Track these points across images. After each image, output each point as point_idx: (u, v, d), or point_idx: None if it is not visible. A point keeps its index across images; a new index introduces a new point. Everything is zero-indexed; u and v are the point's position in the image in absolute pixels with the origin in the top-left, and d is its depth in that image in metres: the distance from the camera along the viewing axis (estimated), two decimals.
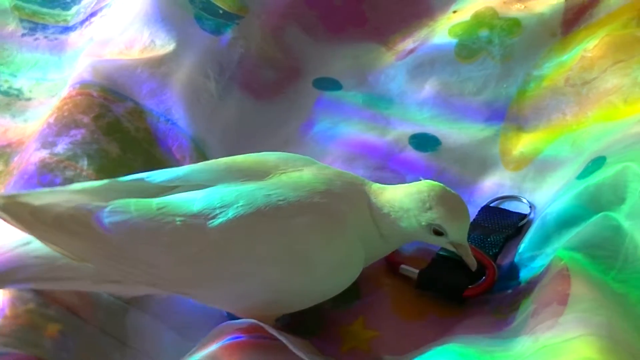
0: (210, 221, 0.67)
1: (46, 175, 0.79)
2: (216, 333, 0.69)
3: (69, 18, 1.03)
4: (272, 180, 0.70)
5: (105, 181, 0.71)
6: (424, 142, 0.91)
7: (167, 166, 0.78)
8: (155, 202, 0.68)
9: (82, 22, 1.00)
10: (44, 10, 1.03)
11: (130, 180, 0.71)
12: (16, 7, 1.02)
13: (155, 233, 0.67)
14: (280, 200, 0.68)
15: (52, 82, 0.96)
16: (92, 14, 1.00)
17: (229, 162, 0.73)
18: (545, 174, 0.85)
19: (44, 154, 0.81)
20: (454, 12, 0.99)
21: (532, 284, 0.73)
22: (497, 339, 0.69)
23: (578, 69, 0.89)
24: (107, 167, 0.81)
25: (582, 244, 0.71)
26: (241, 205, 0.67)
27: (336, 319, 0.76)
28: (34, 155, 0.81)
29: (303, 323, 0.75)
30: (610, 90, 0.85)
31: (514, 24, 0.94)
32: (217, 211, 0.67)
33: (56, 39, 1.00)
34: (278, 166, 0.72)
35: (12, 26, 1.01)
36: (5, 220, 0.66)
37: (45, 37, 1.01)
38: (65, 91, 0.87)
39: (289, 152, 0.87)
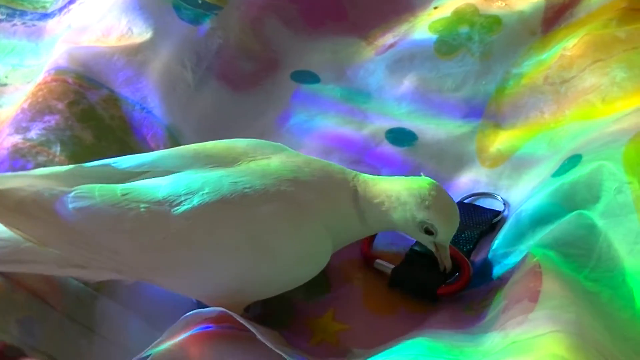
0: (175, 208, 0.66)
1: (18, 160, 0.78)
2: (184, 323, 0.68)
3: (47, 5, 1.02)
4: (240, 168, 0.70)
5: (70, 166, 0.71)
6: (401, 137, 0.90)
7: None
8: (120, 188, 0.67)
9: (60, 9, 1.00)
10: None
11: (96, 166, 0.71)
12: None
13: (118, 219, 0.66)
14: (246, 188, 0.68)
15: (29, 68, 0.95)
16: (71, 2, 0.99)
17: (197, 148, 0.72)
18: (522, 172, 0.85)
19: (16, 139, 0.80)
20: (435, 8, 0.99)
21: (504, 280, 0.73)
22: (467, 334, 0.69)
23: (557, 67, 0.89)
24: (80, 154, 0.80)
25: (556, 242, 0.71)
26: (206, 193, 0.67)
27: (306, 311, 0.76)
28: (6, 140, 0.81)
29: (274, 314, 0.75)
30: (588, 89, 0.85)
31: (494, 22, 0.94)
32: (182, 198, 0.67)
33: (34, 25, 1.00)
34: (247, 153, 0.71)
35: None
36: None
37: (23, 23, 1.00)
38: (40, 77, 0.87)
39: None
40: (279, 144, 0.74)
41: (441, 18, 0.97)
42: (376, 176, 0.73)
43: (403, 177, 0.73)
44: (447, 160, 0.88)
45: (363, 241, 0.80)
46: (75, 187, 0.67)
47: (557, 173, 0.78)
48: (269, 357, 0.66)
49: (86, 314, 0.73)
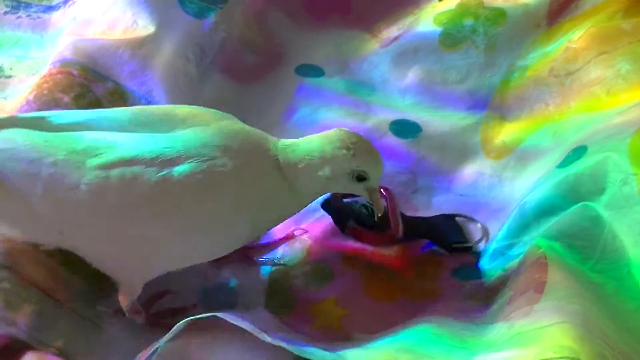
0: (91, 159, 0.67)
1: None
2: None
3: None
4: (173, 134, 0.70)
5: (4, 116, 0.72)
6: (405, 128, 0.90)
7: None
8: (44, 135, 0.68)
9: (65, 2, 1.00)
10: None
11: (31, 117, 0.72)
12: None
13: (36, 163, 0.67)
14: (167, 148, 0.68)
15: (34, 60, 0.95)
16: None
17: (135, 111, 0.73)
18: (526, 163, 0.85)
19: None
20: (440, 0, 0.99)
21: (509, 271, 0.74)
22: (470, 324, 0.70)
23: (562, 59, 0.89)
24: None
25: (561, 234, 0.71)
26: (125, 148, 0.67)
27: (308, 297, 0.76)
28: None
29: (276, 300, 0.76)
30: (593, 81, 0.85)
31: (499, 14, 0.94)
32: (101, 151, 0.67)
33: (39, 17, 1.00)
34: (186, 120, 0.71)
35: None
36: None
37: (28, 15, 1.00)
38: (45, 69, 0.87)
39: None
40: (226, 113, 0.75)
41: (446, 10, 0.96)
42: (293, 140, 0.73)
43: (316, 135, 0.73)
44: (451, 151, 0.89)
45: None
46: (1, 130, 0.68)
47: (562, 164, 0.78)
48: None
49: (93, 310, 0.73)
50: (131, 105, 0.85)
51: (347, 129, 0.72)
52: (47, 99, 0.83)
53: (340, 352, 0.68)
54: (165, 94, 0.87)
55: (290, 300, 0.76)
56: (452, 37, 0.95)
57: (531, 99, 0.89)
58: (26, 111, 0.82)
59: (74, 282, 0.73)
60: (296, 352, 0.65)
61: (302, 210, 0.75)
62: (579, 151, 0.77)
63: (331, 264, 0.78)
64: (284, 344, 0.65)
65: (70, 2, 0.99)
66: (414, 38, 0.96)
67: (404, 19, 0.99)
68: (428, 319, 0.71)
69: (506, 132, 0.89)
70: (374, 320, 0.74)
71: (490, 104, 0.91)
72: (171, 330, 0.66)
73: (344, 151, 0.70)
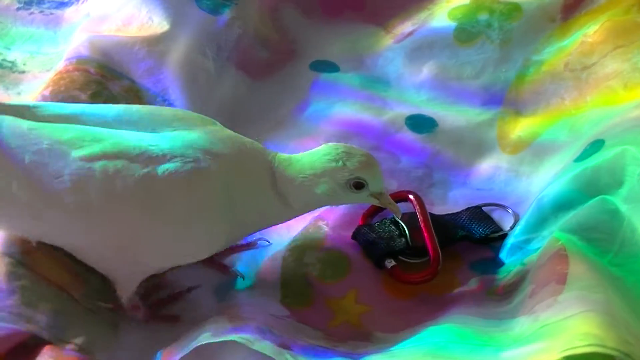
0: (76, 150, 0.67)
1: None
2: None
3: None
4: (158, 133, 0.70)
5: None
6: (421, 123, 0.90)
7: None
8: (29, 123, 0.68)
9: None
10: None
11: (16, 105, 0.72)
12: None
13: (20, 150, 0.67)
14: (152, 146, 0.68)
15: (47, 56, 0.95)
16: None
17: (121, 109, 0.73)
18: (543, 158, 0.85)
19: None
20: None
21: (529, 265, 0.74)
22: (493, 319, 0.70)
23: (578, 54, 0.89)
24: None
25: (579, 227, 0.71)
26: (110, 143, 0.68)
27: (327, 291, 0.76)
28: None
29: (291, 291, 0.76)
30: (609, 75, 0.85)
31: (514, 9, 0.94)
32: (85, 143, 0.67)
33: (52, 13, 1.00)
34: (170, 123, 0.71)
35: (8, 0, 1.00)
36: None
37: (41, 11, 1.00)
38: (61, 64, 0.87)
39: (283, 131, 0.89)
40: (211, 118, 0.74)
41: (460, 5, 0.96)
42: (289, 156, 0.72)
43: (308, 152, 0.72)
44: (467, 146, 0.88)
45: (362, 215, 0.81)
46: None
47: (580, 158, 0.78)
48: None
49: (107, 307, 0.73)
50: (147, 103, 0.85)
51: (333, 143, 0.72)
52: (64, 96, 0.83)
53: (364, 359, 0.68)
54: (182, 91, 0.87)
55: (306, 293, 0.76)
56: (466, 32, 0.95)
57: (547, 93, 0.89)
58: None
59: (90, 279, 0.72)
60: None
61: None
62: (596, 145, 0.77)
63: (349, 254, 0.78)
64: None
65: None
66: (429, 33, 0.96)
67: (418, 14, 0.99)
68: (449, 317, 0.71)
69: (522, 127, 0.89)
70: (394, 317, 0.74)
71: (506, 99, 0.91)
72: (192, 345, 0.66)
73: (333, 163, 0.70)
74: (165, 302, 0.75)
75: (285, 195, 0.71)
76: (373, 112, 0.91)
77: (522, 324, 0.66)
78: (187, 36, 0.90)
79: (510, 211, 0.82)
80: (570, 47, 0.90)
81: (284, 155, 0.72)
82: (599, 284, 0.65)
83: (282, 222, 0.76)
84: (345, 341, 0.72)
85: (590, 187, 0.74)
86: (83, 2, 0.99)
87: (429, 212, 0.80)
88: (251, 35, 0.96)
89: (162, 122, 0.71)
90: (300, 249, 0.78)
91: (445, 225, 0.80)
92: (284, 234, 0.80)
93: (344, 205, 0.80)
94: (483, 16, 0.95)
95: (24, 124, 0.68)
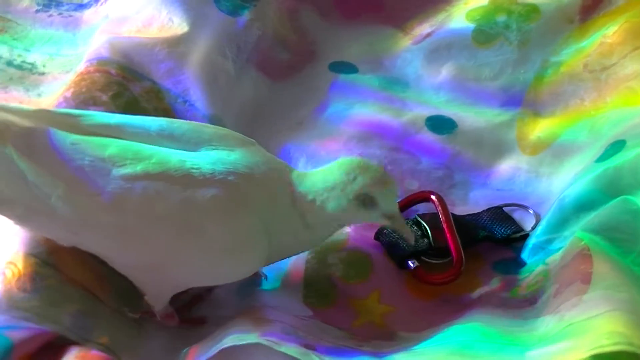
0: (117, 169, 0.67)
1: None
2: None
3: None
4: (199, 153, 0.70)
5: (36, 108, 0.73)
6: (440, 124, 0.90)
7: None
8: (72, 137, 0.68)
9: (96, 0, 1.00)
10: None
11: (62, 113, 0.72)
12: None
13: (61, 166, 0.67)
14: (193, 169, 0.68)
15: (66, 57, 0.96)
16: None
17: (163, 123, 0.72)
18: (563, 159, 0.85)
19: None
20: None
21: (551, 265, 0.74)
22: (516, 319, 0.70)
23: (597, 55, 0.89)
24: None
25: (601, 227, 0.72)
26: (152, 163, 0.67)
27: (350, 291, 0.76)
28: None
29: (314, 291, 0.76)
30: (629, 76, 0.85)
31: (532, 10, 0.94)
32: (127, 162, 0.67)
33: (70, 16, 1.00)
34: (211, 140, 0.71)
35: (26, 2, 1.01)
36: None
37: (60, 13, 1.00)
38: (81, 66, 0.87)
39: (304, 132, 0.89)
40: (250, 139, 0.74)
41: (478, 7, 0.96)
42: (304, 172, 0.72)
43: (324, 166, 0.71)
44: (487, 147, 0.88)
45: None
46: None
47: (601, 158, 0.78)
48: None
49: (135, 308, 0.73)
50: (168, 104, 0.86)
51: (348, 156, 0.72)
52: (86, 97, 0.83)
53: (389, 357, 0.68)
54: (202, 92, 0.87)
55: (329, 292, 0.76)
56: (485, 33, 0.95)
57: (566, 94, 0.89)
58: (64, 108, 0.82)
59: (115, 281, 0.72)
60: None
61: None
62: (617, 145, 0.78)
63: (371, 255, 0.78)
64: None
65: (102, 1, 0.99)
66: (447, 35, 0.96)
67: (435, 15, 0.99)
68: (474, 316, 0.71)
69: (541, 128, 0.89)
70: (417, 317, 0.74)
71: (525, 101, 0.91)
72: (217, 348, 0.67)
73: (345, 177, 0.68)
74: (189, 306, 0.75)
75: (304, 214, 0.70)
76: (393, 113, 0.91)
77: (546, 324, 0.66)
78: (207, 37, 0.91)
79: (531, 211, 0.82)
80: (589, 48, 0.90)
81: (298, 172, 0.72)
82: (624, 283, 0.65)
83: (311, 248, 0.76)
84: (369, 341, 0.72)
85: (612, 187, 0.75)
86: (102, 4, 0.99)
87: (451, 213, 0.80)
88: (270, 37, 0.96)
89: (204, 139, 0.71)
90: (323, 250, 0.78)
91: (466, 226, 0.80)
92: None
93: None
94: (501, 17, 0.95)
95: (68, 138, 0.68)
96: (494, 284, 0.77)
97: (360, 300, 0.76)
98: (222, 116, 0.87)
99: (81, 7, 1.01)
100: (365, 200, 0.69)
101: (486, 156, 0.88)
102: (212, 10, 0.93)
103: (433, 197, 0.81)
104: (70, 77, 0.87)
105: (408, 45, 0.98)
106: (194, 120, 0.84)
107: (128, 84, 0.85)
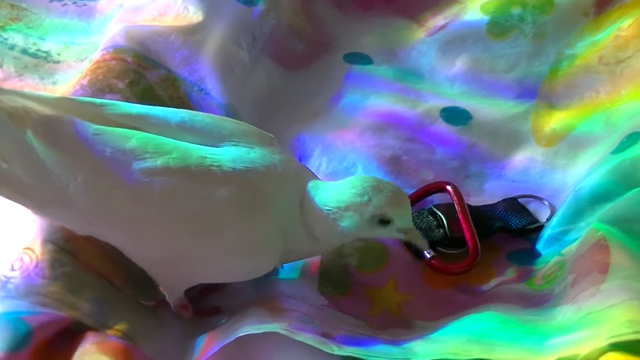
0: (138, 162, 0.66)
1: None
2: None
3: None
4: (219, 149, 0.69)
5: (59, 96, 0.73)
6: (455, 115, 0.91)
7: None
8: (94, 127, 0.67)
9: None
10: None
11: (85, 102, 0.72)
12: None
13: (82, 156, 0.66)
14: (213, 166, 0.67)
15: (81, 46, 0.96)
16: None
17: (185, 117, 0.72)
18: (578, 151, 0.85)
19: None
20: None
21: (567, 255, 0.74)
22: (534, 308, 0.70)
23: (612, 47, 0.89)
24: None
25: (617, 218, 0.72)
26: (173, 158, 0.66)
27: (366, 280, 0.76)
28: None
29: (329, 280, 0.76)
30: None
31: (547, 3, 0.94)
32: (148, 155, 0.66)
33: (85, 5, 1.00)
34: (232, 136, 0.70)
35: None
36: None
37: (74, 3, 1.01)
38: (97, 54, 0.87)
39: (319, 122, 0.89)
40: (271, 135, 0.73)
41: None
42: (318, 184, 0.70)
43: (336, 182, 0.70)
44: (501, 139, 0.89)
45: None
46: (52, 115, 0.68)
47: (617, 150, 0.78)
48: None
49: (150, 296, 0.73)
50: (183, 92, 0.86)
51: (360, 175, 0.71)
52: (102, 84, 0.83)
53: (407, 345, 0.68)
54: (218, 81, 0.87)
55: (344, 281, 0.76)
56: (499, 25, 0.95)
57: (581, 87, 0.90)
58: (81, 95, 0.82)
59: (131, 269, 0.72)
60: (364, 357, 0.65)
61: None
62: (633, 137, 0.78)
63: (387, 244, 0.78)
64: (352, 350, 0.66)
65: None
66: (461, 27, 0.97)
67: (450, 7, 1.00)
68: (490, 305, 0.71)
69: (556, 120, 0.89)
70: (433, 306, 0.74)
71: (540, 93, 0.91)
72: (233, 336, 0.67)
73: (359, 198, 0.68)
74: (203, 296, 0.75)
75: (311, 227, 0.69)
76: (408, 104, 0.91)
77: (564, 313, 0.67)
78: (222, 26, 0.91)
79: (546, 203, 0.82)
80: (604, 41, 0.90)
81: (314, 183, 0.70)
82: None
83: (312, 256, 0.75)
84: (386, 329, 0.72)
85: (628, 179, 0.75)
86: None
87: (466, 203, 0.80)
88: (285, 27, 0.96)
89: (224, 135, 0.70)
90: None
91: (482, 217, 0.80)
92: None
93: None
94: (516, 10, 0.95)
95: (89, 128, 0.67)
96: (510, 274, 0.77)
97: (377, 289, 0.76)
98: (237, 105, 0.87)
99: None
100: (380, 219, 0.69)
101: (501, 148, 0.88)
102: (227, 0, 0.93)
103: (449, 187, 0.81)
104: (86, 65, 0.88)
105: (422, 37, 0.98)
106: (209, 108, 0.85)
107: (144, 72, 0.85)
